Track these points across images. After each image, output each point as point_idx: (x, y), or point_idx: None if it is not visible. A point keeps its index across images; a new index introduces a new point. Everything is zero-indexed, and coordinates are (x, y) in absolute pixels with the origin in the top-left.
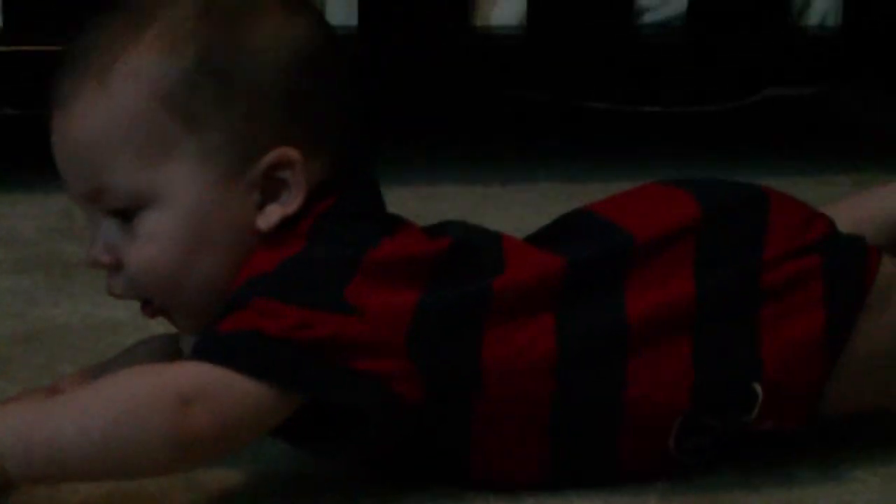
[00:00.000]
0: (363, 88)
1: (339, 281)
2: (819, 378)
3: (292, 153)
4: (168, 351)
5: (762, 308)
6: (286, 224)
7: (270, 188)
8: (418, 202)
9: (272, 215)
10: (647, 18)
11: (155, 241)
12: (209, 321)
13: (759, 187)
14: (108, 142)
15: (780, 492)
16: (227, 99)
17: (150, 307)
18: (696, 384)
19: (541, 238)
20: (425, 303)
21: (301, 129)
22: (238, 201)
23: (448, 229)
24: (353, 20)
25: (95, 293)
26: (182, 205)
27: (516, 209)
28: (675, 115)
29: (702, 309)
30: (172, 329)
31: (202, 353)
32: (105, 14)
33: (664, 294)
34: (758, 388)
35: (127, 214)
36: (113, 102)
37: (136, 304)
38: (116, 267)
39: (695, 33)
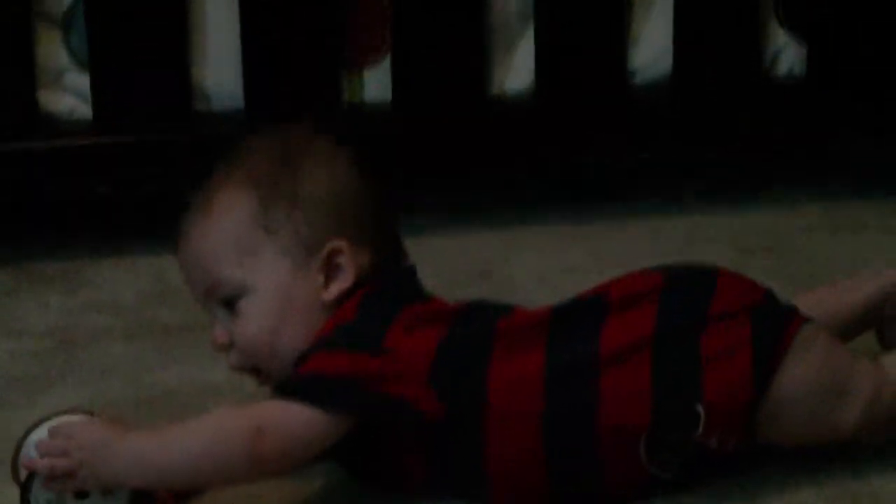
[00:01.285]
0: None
1: (379, 331)
2: (749, 402)
3: (342, 243)
4: None
5: (702, 348)
6: (343, 298)
7: (331, 271)
8: (449, 250)
9: (333, 290)
10: (638, 79)
11: (251, 319)
12: None
13: (713, 268)
14: (213, 251)
15: None
16: (292, 211)
17: (260, 375)
18: (654, 405)
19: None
20: (444, 342)
21: (347, 227)
22: (308, 283)
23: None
24: (388, 96)
25: (199, 357)
26: (267, 290)
27: (533, 253)
28: (668, 162)
29: (656, 345)
30: (261, 391)
31: (275, 392)
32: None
33: (629, 334)
34: (700, 408)
35: (231, 303)
36: (214, 224)
37: None
38: (231, 345)
39: (681, 90)
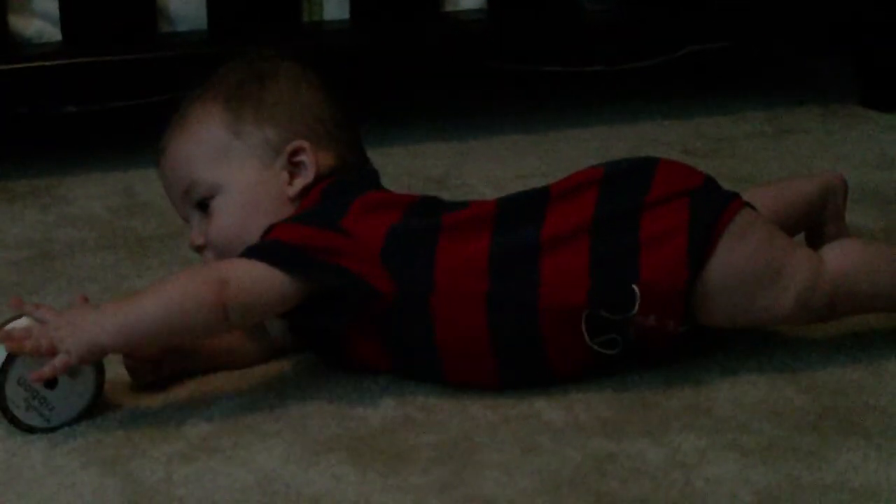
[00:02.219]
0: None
1: (336, 215)
2: (684, 284)
3: (303, 143)
4: None
5: (641, 231)
6: (306, 191)
7: (294, 169)
8: (407, 158)
9: (297, 185)
10: None
11: (223, 215)
12: None
13: (654, 157)
14: (188, 156)
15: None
16: (258, 115)
17: None
18: (591, 286)
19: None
20: (395, 229)
21: (310, 131)
22: (274, 180)
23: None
24: (346, 14)
25: (172, 264)
26: (237, 188)
27: (488, 161)
28: (616, 73)
29: (596, 229)
30: None
31: (244, 252)
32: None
33: (570, 219)
34: (636, 288)
35: (205, 204)
36: (189, 133)
37: None
38: (206, 245)
39: (626, 4)
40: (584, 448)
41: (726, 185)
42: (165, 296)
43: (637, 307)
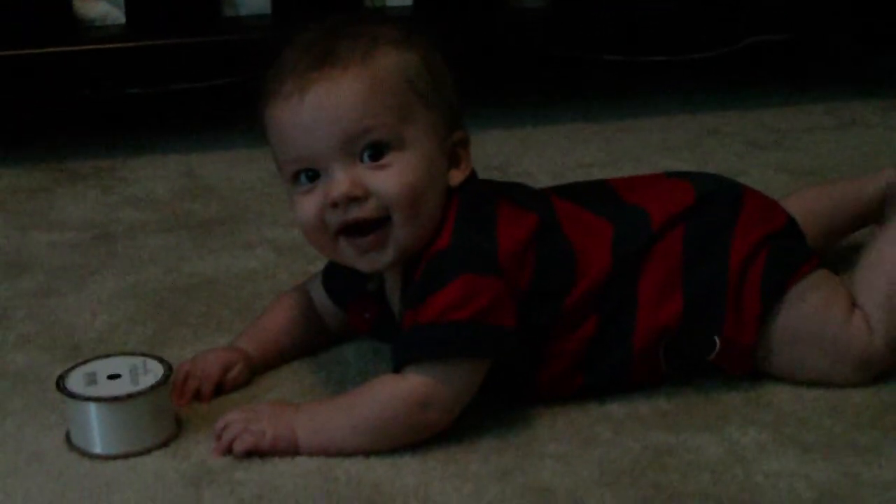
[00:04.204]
0: None
1: (488, 242)
2: (753, 342)
3: (466, 135)
4: (303, 304)
5: (729, 287)
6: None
7: (453, 158)
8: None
9: (455, 177)
10: None
11: (406, 171)
12: (405, 284)
13: (738, 185)
14: (375, 99)
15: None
16: (438, 90)
17: (377, 234)
18: (682, 324)
19: (574, 197)
20: (537, 266)
21: (460, 120)
22: (442, 162)
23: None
24: (409, 1)
25: (232, 247)
26: (423, 153)
27: (548, 150)
28: (678, 63)
29: (686, 267)
30: (293, 277)
31: (417, 348)
32: (310, 40)
33: (664, 266)
34: (717, 340)
35: (380, 152)
36: (377, 74)
37: (266, 256)
38: (365, 197)
39: None
40: (643, 440)
41: (788, 178)
42: (365, 422)
43: (714, 355)
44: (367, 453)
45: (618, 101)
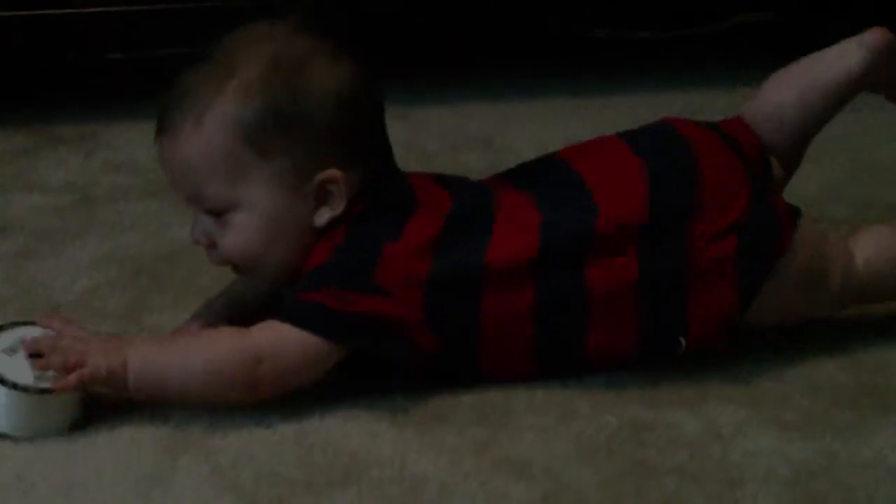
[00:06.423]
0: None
1: (368, 267)
2: (730, 320)
3: (336, 173)
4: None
5: (691, 288)
6: (334, 221)
7: (322, 197)
8: (453, 118)
9: (323, 216)
10: None
11: (242, 233)
12: (284, 286)
13: (690, 150)
14: (203, 166)
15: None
16: (288, 135)
17: (239, 271)
18: (639, 338)
19: (520, 180)
20: (432, 278)
21: (342, 151)
22: (299, 207)
23: (451, 189)
24: None
25: None
26: (262, 210)
27: (534, 124)
28: (665, 39)
29: (643, 288)
30: None
31: (285, 314)
32: (197, 63)
33: (616, 275)
34: (682, 340)
35: (219, 213)
36: (206, 138)
37: None
38: (211, 246)
39: None
40: (621, 415)
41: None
42: (199, 363)
43: (682, 349)
44: (227, 405)
45: (604, 76)
